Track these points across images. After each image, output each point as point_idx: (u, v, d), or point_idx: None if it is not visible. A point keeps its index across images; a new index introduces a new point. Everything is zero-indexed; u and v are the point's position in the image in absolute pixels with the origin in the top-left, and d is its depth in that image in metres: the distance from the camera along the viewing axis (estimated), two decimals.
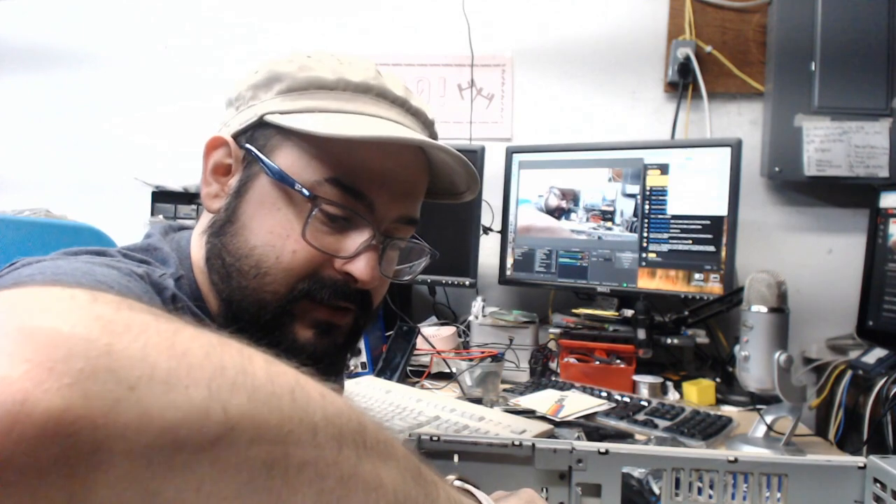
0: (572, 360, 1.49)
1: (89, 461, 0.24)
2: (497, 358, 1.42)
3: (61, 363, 0.24)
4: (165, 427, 0.25)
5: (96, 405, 0.24)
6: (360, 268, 0.61)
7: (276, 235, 0.60)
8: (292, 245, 0.60)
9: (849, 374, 1.44)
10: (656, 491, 0.77)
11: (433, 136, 0.70)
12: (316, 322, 0.62)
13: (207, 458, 0.27)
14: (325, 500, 0.31)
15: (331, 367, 0.66)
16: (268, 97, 0.63)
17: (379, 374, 1.43)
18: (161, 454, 0.25)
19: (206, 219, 0.66)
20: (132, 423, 0.25)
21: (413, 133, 0.64)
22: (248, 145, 0.63)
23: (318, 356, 0.62)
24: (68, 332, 0.25)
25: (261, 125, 0.63)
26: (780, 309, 1.10)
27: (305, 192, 0.60)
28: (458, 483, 0.50)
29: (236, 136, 0.65)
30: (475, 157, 1.65)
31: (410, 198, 0.66)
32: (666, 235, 1.54)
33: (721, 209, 1.47)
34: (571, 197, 1.66)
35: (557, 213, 1.67)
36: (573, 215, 1.66)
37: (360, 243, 0.61)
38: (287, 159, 0.61)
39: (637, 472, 0.78)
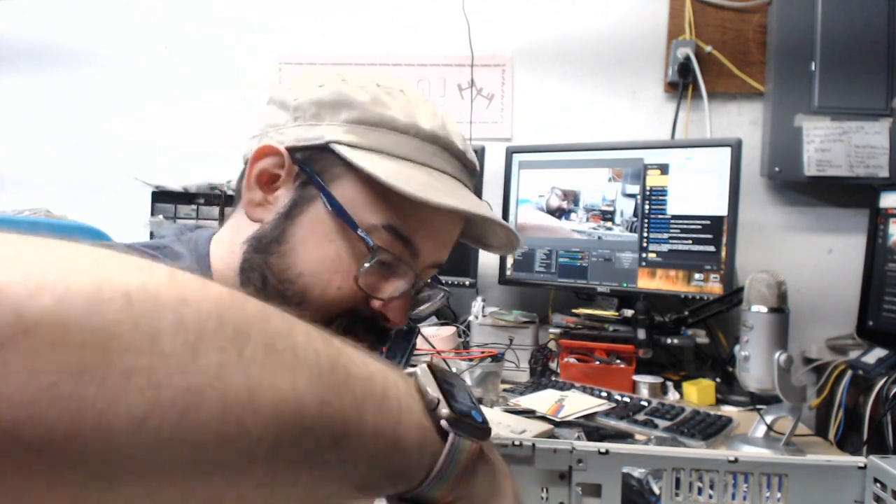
0: (572, 360, 1.49)
1: None
2: (497, 358, 1.42)
3: None
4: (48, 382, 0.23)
5: None
6: (396, 312, 0.62)
7: (325, 268, 0.60)
8: (339, 281, 0.60)
9: (849, 374, 1.44)
10: (656, 491, 0.77)
11: (477, 183, 0.71)
12: None
13: None
14: (162, 412, 0.25)
15: None
16: (335, 122, 0.62)
17: None
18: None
19: (244, 227, 0.64)
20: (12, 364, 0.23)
21: (485, 207, 0.64)
22: (307, 167, 0.62)
23: None
24: None
25: (323, 149, 0.61)
26: (780, 309, 1.10)
27: (369, 241, 0.59)
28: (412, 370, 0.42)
29: (291, 150, 0.63)
30: (475, 157, 1.65)
31: (449, 246, 0.67)
32: (666, 235, 1.54)
33: (721, 209, 1.47)
34: (572, 198, 1.66)
35: (558, 213, 1.67)
36: (573, 215, 1.66)
37: (399, 287, 0.62)
38: (346, 193, 0.60)
39: (637, 472, 0.78)
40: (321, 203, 0.60)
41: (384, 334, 0.65)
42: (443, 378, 0.41)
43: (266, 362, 0.29)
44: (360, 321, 0.62)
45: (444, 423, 0.38)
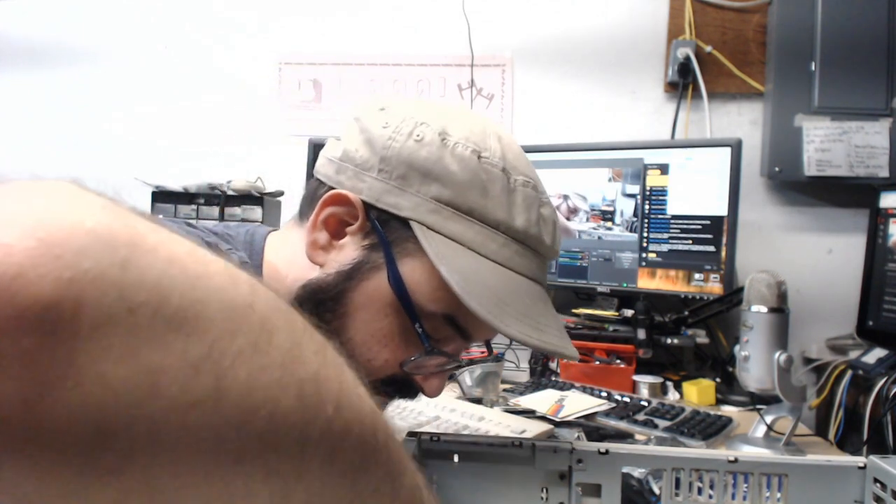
0: None
1: (55, 372, 0.21)
2: (497, 358, 1.42)
3: (70, 255, 0.22)
4: (147, 369, 0.23)
5: (87, 315, 0.22)
6: (433, 388, 0.62)
7: (376, 341, 0.59)
8: (387, 355, 0.59)
9: (849, 374, 1.44)
10: (656, 491, 0.77)
11: None
12: None
13: (178, 422, 0.23)
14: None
15: None
16: (421, 194, 0.57)
17: None
18: (132, 401, 0.22)
19: (301, 261, 0.61)
20: (115, 350, 0.22)
21: (550, 331, 0.60)
22: (381, 233, 0.58)
23: None
24: (90, 227, 0.23)
25: (400, 219, 0.58)
26: (780, 309, 1.10)
27: (426, 341, 0.58)
28: None
29: (367, 205, 0.59)
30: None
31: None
32: (666, 235, 1.54)
33: (721, 209, 1.47)
34: (576, 211, 1.66)
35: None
36: (573, 216, 1.66)
37: (440, 366, 0.62)
38: (413, 275, 0.58)
39: (637, 472, 0.78)
40: (385, 275, 0.58)
41: (415, 395, 0.64)
42: None
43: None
44: (395, 386, 0.61)
45: None
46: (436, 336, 0.59)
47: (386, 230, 0.58)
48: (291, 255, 0.62)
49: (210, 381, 0.24)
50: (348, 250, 0.59)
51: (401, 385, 0.61)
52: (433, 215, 0.57)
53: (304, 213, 0.64)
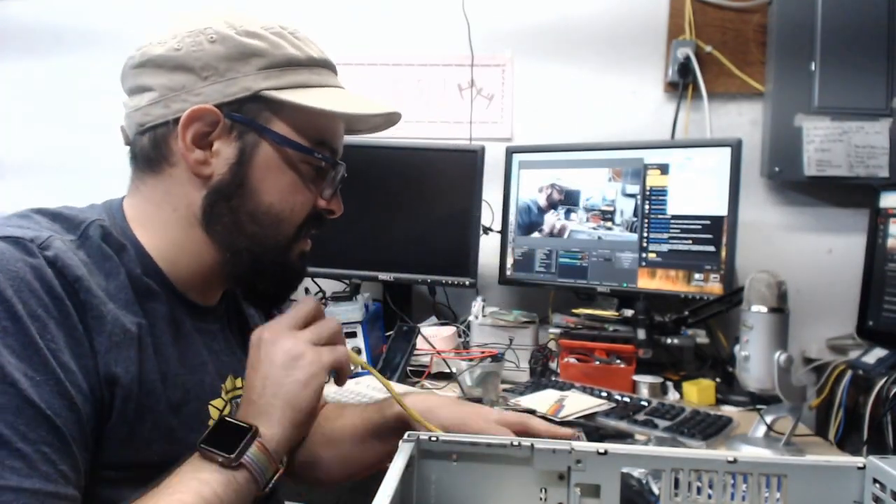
0: (572, 360, 1.49)
1: None
2: (497, 358, 1.42)
3: None
4: None
5: None
6: (338, 205, 0.77)
7: (288, 192, 0.72)
8: (301, 199, 0.73)
9: (849, 374, 1.44)
10: (656, 491, 0.77)
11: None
12: (302, 252, 0.76)
13: None
14: None
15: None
16: (249, 72, 0.68)
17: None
18: None
19: (187, 188, 0.69)
20: None
21: (388, 106, 0.77)
22: (243, 119, 0.69)
23: (300, 277, 0.79)
24: None
25: (249, 99, 0.68)
26: (780, 309, 1.10)
27: (330, 159, 0.73)
28: None
29: (219, 106, 0.68)
30: (475, 157, 1.65)
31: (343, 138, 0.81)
32: (666, 235, 1.54)
33: (721, 209, 1.47)
34: (569, 198, 1.66)
35: (555, 207, 1.67)
36: (573, 215, 1.66)
37: (333, 185, 0.75)
38: (282, 130, 0.70)
39: (637, 473, 0.78)
40: (266, 144, 0.70)
41: (326, 224, 0.77)
42: None
43: None
44: (313, 221, 0.75)
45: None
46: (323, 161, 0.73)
47: (245, 114, 0.68)
48: (164, 196, 0.71)
49: None
50: (225, 150, 0.69)
51: (314, 220, 0.75)
52: (269, 80, 0.68)
53: (153, 162, 0.71)
